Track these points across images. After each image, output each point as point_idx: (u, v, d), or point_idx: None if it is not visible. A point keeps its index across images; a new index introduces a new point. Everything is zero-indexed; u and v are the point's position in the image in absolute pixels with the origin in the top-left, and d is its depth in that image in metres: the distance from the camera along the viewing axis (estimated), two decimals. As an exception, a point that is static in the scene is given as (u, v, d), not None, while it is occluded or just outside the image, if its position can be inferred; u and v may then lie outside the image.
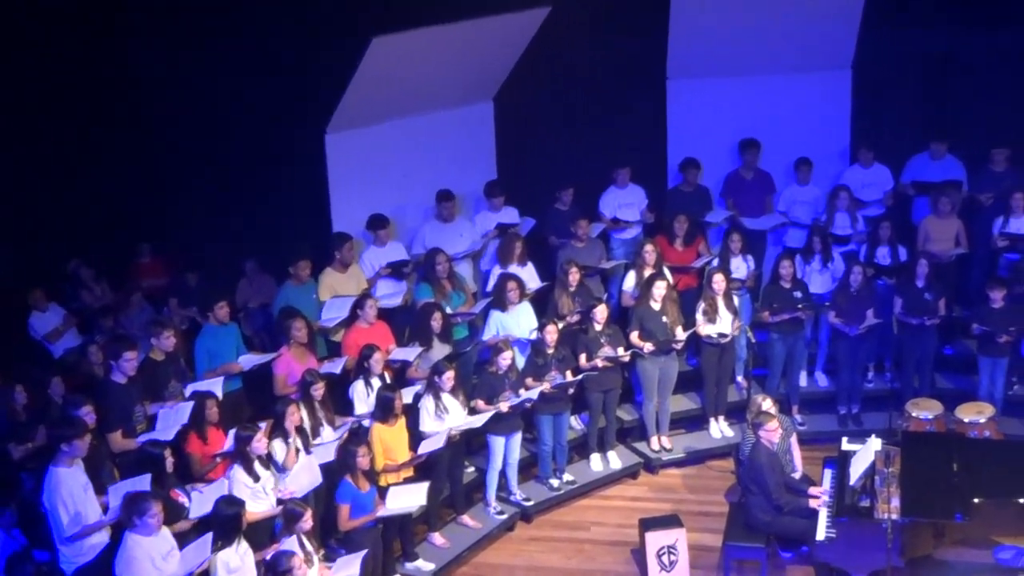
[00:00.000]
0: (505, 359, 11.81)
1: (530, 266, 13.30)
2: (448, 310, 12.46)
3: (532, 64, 13.80)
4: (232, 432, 10.25)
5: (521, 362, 12.38)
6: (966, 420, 12.12)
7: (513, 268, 13.06)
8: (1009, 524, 10.50)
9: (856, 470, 10.60)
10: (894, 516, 10.15)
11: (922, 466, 10.74)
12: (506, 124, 14.25)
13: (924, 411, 12.30)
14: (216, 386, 11.04)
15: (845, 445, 11.41)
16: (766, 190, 14.49)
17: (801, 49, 14.29)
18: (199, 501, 9.82)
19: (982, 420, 12.09)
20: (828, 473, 11.31)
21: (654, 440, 13.25)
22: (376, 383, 11.37)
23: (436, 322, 12.10)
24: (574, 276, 12.83)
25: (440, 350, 12.10)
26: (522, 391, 11.88)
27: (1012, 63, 14.37)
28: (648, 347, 12.69)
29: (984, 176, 14.24)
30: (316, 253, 12.73)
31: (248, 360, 11.69)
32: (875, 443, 10.86)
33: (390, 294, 12.89)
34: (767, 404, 11.47)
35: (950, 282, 13.75)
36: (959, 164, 14.32)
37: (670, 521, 11.40)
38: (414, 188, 13.63)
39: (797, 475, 11.61)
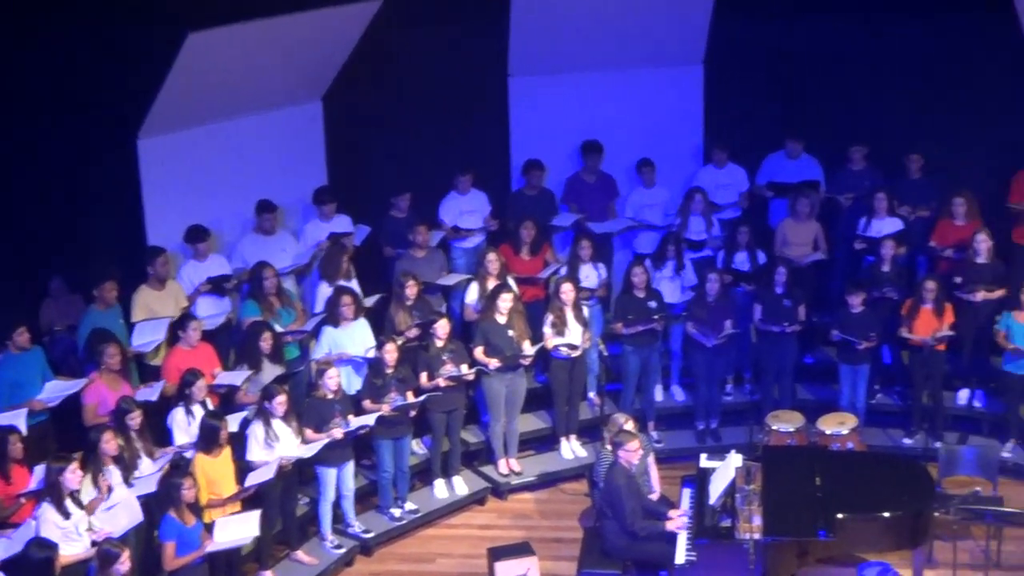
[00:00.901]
0: (331, 380, 11.82)
1: (355, 282, 13.29)
2: (278, 328, 12.42)
3: (364, 61, 13.81)
4: (39, 468, 10.07)
5: (357, 383, 12.41)
6: (828, 432, 12.54)
7: (342, 283, 13.03)
8: (874, 540, 10.86)
9: (716, 488, 10.83)
10: (756, 535, 10.42)
11: (784, 482, 11.08)
12: (337, 125, 14.24)
13: (785, 424, 12.68)
14: (19, 419, 10.83)
15: (704, 462, 11.68)
16: (610, 194, 14.76)
17: (650, 43, 14.60)
18: (5, 547, 9.63)
19: (844, 431, 12.52)
20: (687, 493, 11.56)
21: (502, 463, 13.38)
22: (198, 411, 11.28)
23: (265, 342, 12.06)
24: (412, 289, 12.89)
25: (270, 372, 12.06)
26: (351, 418, 11.89)
27: (868, 58, 14.88)
28: (494, 363, 12.82)
29: (842, 176, 14.72)
30: (129, 269, 12.56)
31: (54, 388, 11.48)
32: (735, 459, 11.10)
33: (213, 314, 12.79)
34: (629, 424, 11.65)
35: (809, 287, 14.15)
36: (816, 163, 14.79)
37: (521, 549, 11.53)
38: (237, 197, 13.51)
39: (655, 496, 11.81)
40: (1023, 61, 14.31)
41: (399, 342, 12.43)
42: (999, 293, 13.34)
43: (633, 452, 11.16)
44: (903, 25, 14.56)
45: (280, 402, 11.35)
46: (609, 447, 11.55)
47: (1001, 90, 14.66)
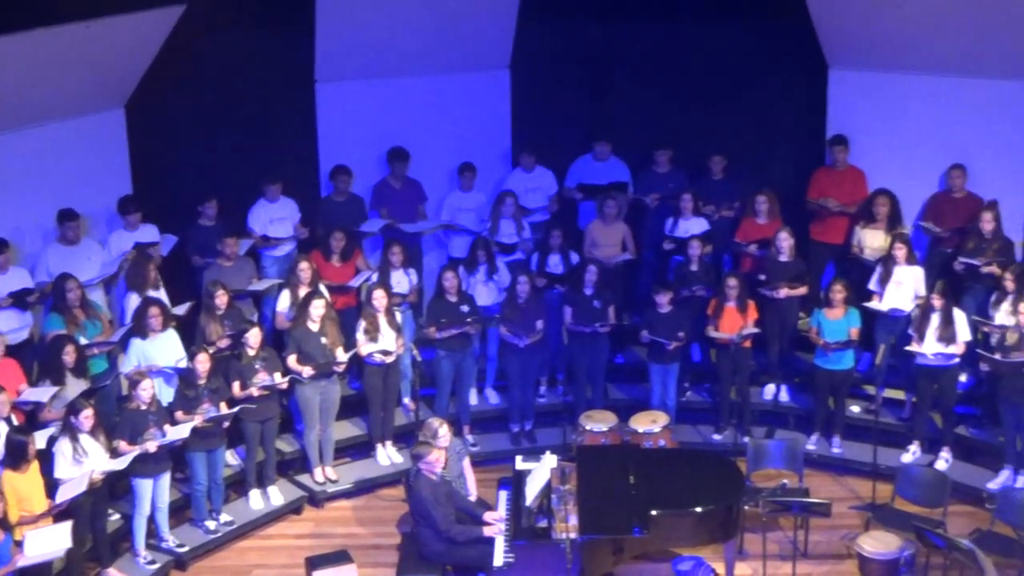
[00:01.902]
0: (144, 392, 11.65)
1: (163, 292, 13.12)
2: (83, 341, 12.18)
3: (168, 67, 13.62)
4: None
5: (169, 394, 12.25)
6: (640, 430, 12.80)
7: (150, 294, 12.84)
8: (687, 535, 11.11)
9: (532, 490, 10.98)
10: (572, 535, 10.57)
11: (598, 481, 11.27)
12: (140, 133, 14.02)
13: (598, 424, 12.90)
14: None
15: (520, 464, 11.80)
16: (417, 199, 14.83)
17: (457, 48, 14.72)
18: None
19: (656, 429, 12.80)
20: (503, 495, 11.68)
21: (318, 471, 13.34)
22: (3, 427, 11.01)
23: (68, 356, 11.82)
24: (221, 298, 12.78)
25: (75, 386, 11.83)
26: (168, 428, 11.74)
27: (673, 61, 15.20)
28: (307, 371, 12.78)
29: (649, 178, 15.04)
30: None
31: None
32: (550, 460, 11.26)
33: (15, 328, 12.48)
34: (443, 429, 11.70)
35: (619, 288, 14.43)
36: (624, 166, 15.08)
37: (339, 557, 11.54)
38: (36, 207, 13.21)
39: (472, 499, 11.92)
40: (819, 63, 14.83)
41: (211, 352, 12.29)
42: (801, 290, 13.77)
43: (434, 462, 11.20)
44: (706, 29, 14.92)
45: (86, 416, 11.15)
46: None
47: (798, 91, 15.16)
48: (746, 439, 13.15)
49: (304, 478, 13.40)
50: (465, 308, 13.48)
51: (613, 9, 14.88)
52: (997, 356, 12.41)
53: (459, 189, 14.83)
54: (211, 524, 12.53)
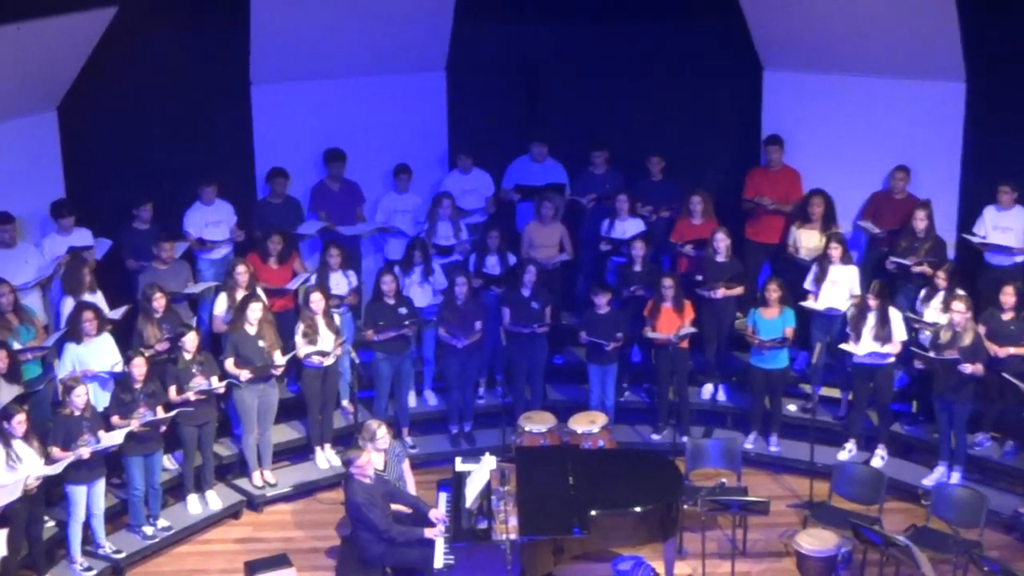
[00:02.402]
0: (79, 398, 11.54)
1: (100, 295, 13.00)
2: (16, 346, 12.05)
3: (101, 69, 13.50)
4: None
5: (104, 399, 12.14)
6: (579, 431, 12.83)
7: (85, 298, 12.73)
8: (627, 535, 11.18)
9: (471, 491, 11.00)
10: (512, 536, 10.61)
11: (538, 482, 11.31)
12: (73, 136, 13.87)
13: (537, 425, 12.94)
14: None
15: (459, 466, 11.81)
16: (355, 201, 14.80)
17: (393, 50, 14.70)
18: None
19: (595, 430, 12.84)
20: (443, 497, 11.69)
21: (256, 475, 13.27)
22: (-63, 435, 10.89)
23: (1, 361, 11.69)
24: (159, 302, 12.69)
25: (7, 392, 11.70)
26: (102, 434, 11.63)
27: (609, 62, 15.27)
28: (245, 375, 12.72)
29: (585, 178, 15.09)
30: None
31: None
32: (490, 461, 11.29)
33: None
34: (382, 431, 11.68)
35: (556, 289, 14.48)
36: (560, 167, 15.12)
37: (279, 561, 11.49)
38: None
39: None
40: (754, 64, 14.95)
41: (147, 356, 12.20)
42: (738, 290, 13.87)
43: (364, 465, 11.16)
44: (642, 30, 15.01)
45: (19, 422, 11.05)
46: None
47: (733, 92, 15.27)
48: (684, 439, 13.24)
49: (242, 482, 13.32)
50: (403, 310, 13.47)
51: (549, 11, 14.91)
52: (931, 354, 12.55)
53: (394, 191, 14.80)
54: (148, 529, 12.42)
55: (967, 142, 14.13)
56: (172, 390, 12.32)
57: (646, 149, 14.93)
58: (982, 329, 12.64)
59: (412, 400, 14.19)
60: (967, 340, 12.41)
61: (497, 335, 13.86)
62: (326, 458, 13.59)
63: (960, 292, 12.79)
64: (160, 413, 12.03)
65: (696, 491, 12.21)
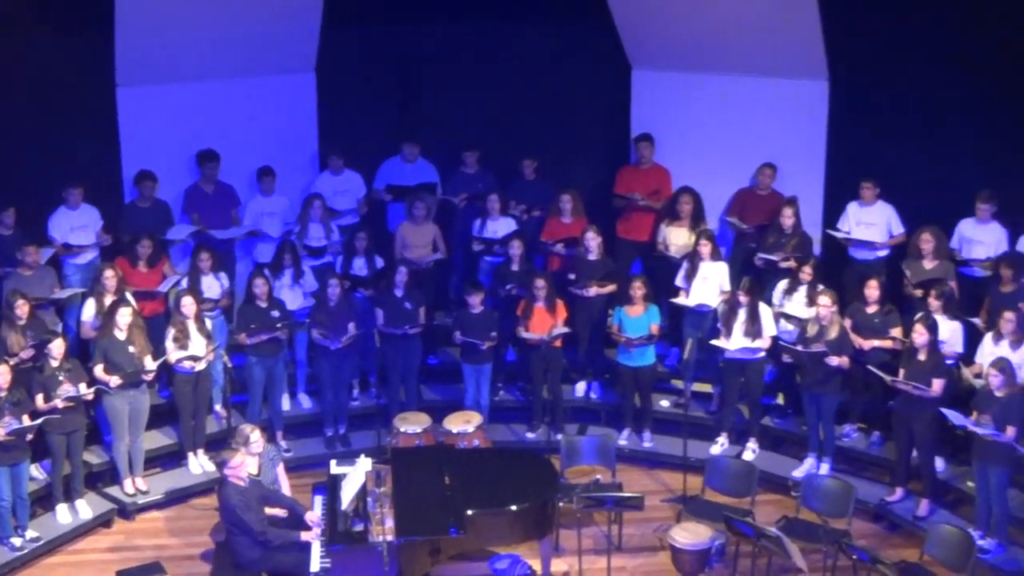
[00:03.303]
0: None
1: None
2: None
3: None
4: None
5: (-32, 410, 11.88)
6: (455, 431, 12.84)
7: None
8: (504, 533, 11.19)
9: (347, 494, 10.94)
10: (389, 537, 10.57)
11: (414, 483, 11.28)
12: (-68, 140, 13.58)
13: (412, 425, 12.92)
14: None
15: (334, 468, 11.71)
16: (230, 203, 14.65)
17: (261, 52, 14.57)
18: None
19: (470, 429, 12.86)
20: (318, 500, 11.61)
21: (128, 483, 13.07)
22: None
23: None
24: (22, 309, 12.44)
25: None
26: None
27: (480, 62, 15.30)
28: (115, 381, 12.52)
29: (457, 178, 15.10)
30: None
31: None
32: (365, 463, 11.24)
33: None
34: (256, 435, 11.56)
35: (430, 289, 14.47)
36: (432, 167, 15.12)
37: (152, 570, 11.32)
38: None
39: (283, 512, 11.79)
40: (623, 64, 15.09)
41: (11, 364, 11.95)
42: (610, 288, 13.97)
43: (238, 467, 11.05)
44: (512, 30, 15.07)
45: None
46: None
47: (603, 91, 15.40)
48: (559, 436, 13.30)
49: (113, 490, 13.10)
50: (275, 313, 13.36)
51: (419, 11, 14.91)
52: (799, 348, 12.76)
53: (260, 194, 14.67)
54: (16, 541, 12.16)
55: (831, 139, 14.42)
56: (39, 398, 12.08)
57: (517, 148, 15.01)
58: (847, 323, 12.89)
59: (286, 403, 14.07)
60: (833, 333, 12.64)
61: (371, 336, 13.80)
62: (199, 464, 13.43)
63: (821, 286, 13.04)
64: (26, 421, 11.78)
65: (571, 488, 12.29)
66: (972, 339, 12.54)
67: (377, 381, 14.34)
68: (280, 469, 12.05)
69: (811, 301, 12.95)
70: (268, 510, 11.20)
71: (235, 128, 14.81)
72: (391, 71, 15.45)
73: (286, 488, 12.00)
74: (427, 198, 14.70)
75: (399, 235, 14.55)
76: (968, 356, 12.47)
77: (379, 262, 14.25)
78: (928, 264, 13.18)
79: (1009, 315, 11.98)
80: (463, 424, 12.96)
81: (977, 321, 12.70)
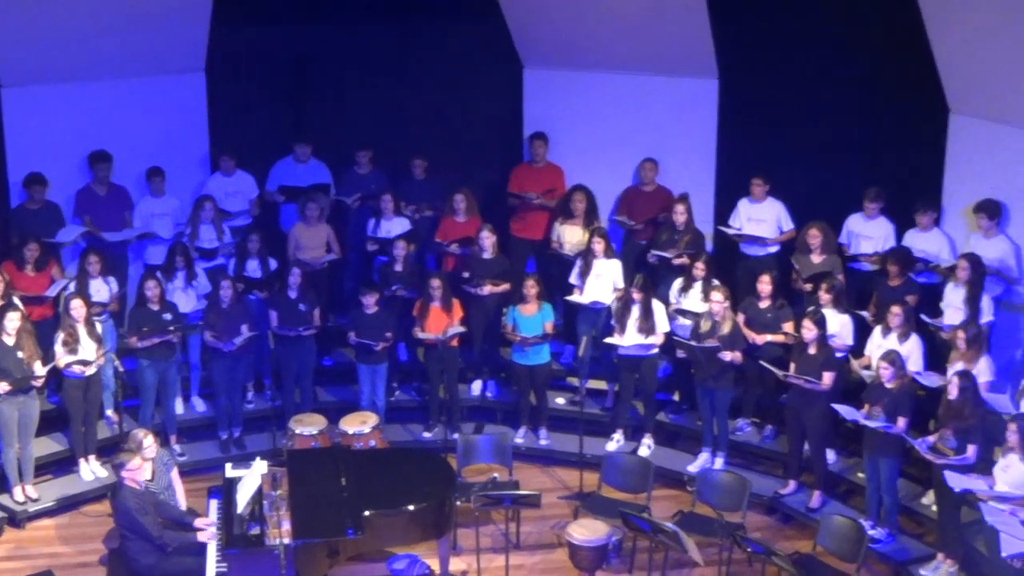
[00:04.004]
0: None
1: None
2: None
3: None
4: None
5: None
6: (351, 432, 12.79)
7: None
8: (401, 533, 11.17)
9: (243, 497, 10.84)
10: (286, 540, 10.50)
11: (310, 484, 11.23)
12: None
13: (308, 427, 12.85)
14: None
15: (229, 471, 11.61)
16: (123, 205, 14.45)
17: (150, 51, 14.39)
18: None
19: (367, 430, 12.82)
20: (214, 503, 11.50)
21: (17, 491, 12.83)
22: None
23: None
24: (-93, 315, 12.20)
25: None
26: None
27: (371, 61, 15.24)
28: (3, 387, 12.30)
29: (350, 179, 15.04)
30: None
31: None
32: (260, 466, 11.16)
33: None
34: (149, 440, 11.42)
35: (324, 290, 14.39)
36: (325, 167, 15.04)
37: (43, 578, 11.18)
38: None
39: (182, 510, 11.68)
40: (514, 62, 15.14)
41: None
42: (504, 287, 14.00)
43: (136, 470, 10.94)
44: (403, 29, 15.04)
45: None
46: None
47: (495, 90, 15.44)
48: (455, 436, 13.30)
49: (3, 498, 12.87)
50: (167, 316, 13.21)
51: (310, 11, 14.83)
52: (692, 343, 12.88)
53: (150, 195, 14.49)
54: (-97, 553, 11.94)
55: (721, 137, 14.58)
56: (-76, 406, 11.85)
57: (411, 148, 14.98)
58: (740, 318, 13.04)
59: (179, 407, 13.93)
60: (726, 329, 12.78)
61: (265, 338, 13.71)
62: (91, 470, 13.23)
63: (715, 282, 13.18)
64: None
65: (468, 487, 12.31)
66: (862, 332, 12.75)
67: (272, 383, 14.25)
68: (174, 474, 11.92)
69: (707, 297, 13.08)
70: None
71: (125, 129, 14.60)
72: (282, 71, 15.33)
73: (180, 493, 11.87)
74: (320, 199, 14.62)
75: (292, 236, 14.46)
76: (858, 349, 12.67)
77: (273, 263, 14.15)
78: (816, 259, 13.38)
79: (896, 309, 12.20)
80: (359, 425, 12.91)
81: (866, 314, 12.91)
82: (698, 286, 13.33)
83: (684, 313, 13.39)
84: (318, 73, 15.40)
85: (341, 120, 15.34)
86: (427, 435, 13.96)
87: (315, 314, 13.66)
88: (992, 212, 12.68)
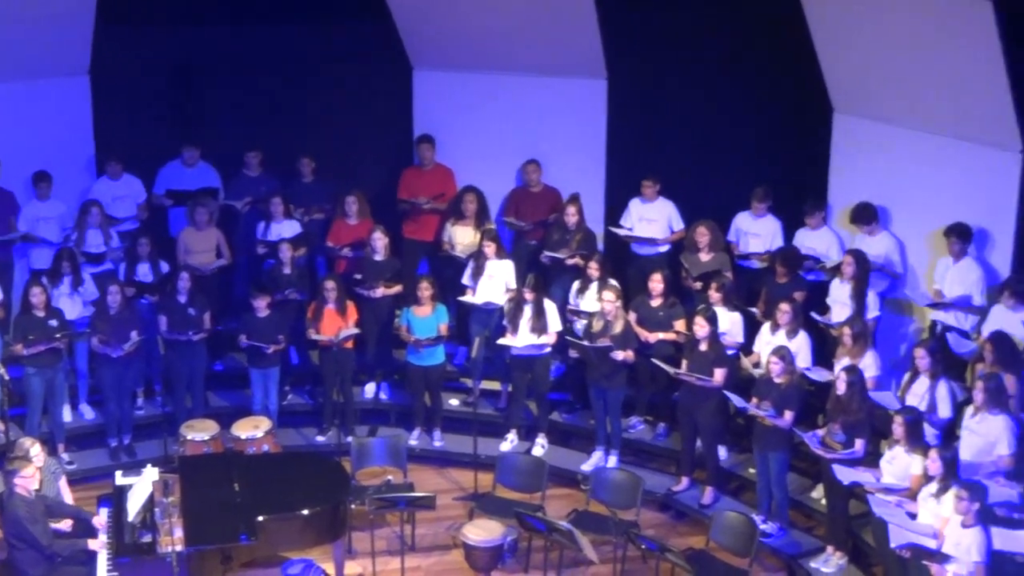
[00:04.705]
0: None
1: None
2: None
3: None
4: None
5: None
6: (243, 437, 12.68)
7: None
8: (296, 538, 11.10)
9: (134, 505, 10.73)
10: (178, 547, 10.37)
11: (202, 491, 11.12)
12: None
13: (199, 433, 12.72)
14: None
15: (120, 479, 11.51)
16: (8, 210, 14.18)
17: (33, 53, 14.13)
18: None
19: (259, 435, 12.72)
20: (104, 512, 11.32)
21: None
22: None
23: None
24: None
25: None
26: None
27: (259, 63, 15.11)
28: None
29: (239, 182, 14.91)
30: None
31: None
32: (151, 473, 11.05)
33: None
34: (36, 448, 11.21)
35: (214, 294, 14.23)
36: (213, 170, 14.90)
37: (-74, 592, 10.95)
38: None
39: (69, 523, 11.46)
40: (404, 64, 15.11)
41: None
42: (396, 288, 13.97)
43: (29, 478, 10.72)
44: (290, 30, 14.93)
45: None
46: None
47: (384, 92, 15.40)
48: (349, 439, 13.24)
49: None
50: (54, 322, 13.00)
51: (197, 13, 14.66)
52: (585, 343, 12.94)
53: (36, 199, 14.25)
54: None
55: (610, 137, 14.69)
56: None
57: (300, 150, 14.88)
58: (632, 316, 13.13)
59: (67, 414, 13.70)
60: (618, 328, 12.86)
61: (154, 343, 13.55)
62: (-25, 480, 12.99)
63: (612, 282, 13.26)
64: None
65: (363, 490, 12.26)
66: (752, 329, 12.90)
67: (162, 389, 14.06)
68: (63, 483, 11.71)
69: (599, 296, 13.15)
70: (52, 524, 10.89)
71: (9, 132, 14.31)
72: (168, 73, 15.13)
73: (69, 501, 11.66)
74: (209, 203, 14.47)
75: (181, 240, 14.31)
76: (748, 346, 12.82)
77: (164, 267, 13.98)
78: (705, 257, 13.53)
79: (785, 306, 12.36)
80: (252, 430, 12.80)
81: (756, 311, 13.07)
82: (594, 287, 13.40)
83: (580, 314, 13.45)
84: (206, 75, 15.22)
85: (230, 122, 15.18)
86: (321, 438, 13.89)
87: (205, 318, 13.52)
88: (867, 219, 12.97)
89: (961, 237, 12.14)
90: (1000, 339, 11.16)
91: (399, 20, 14.69)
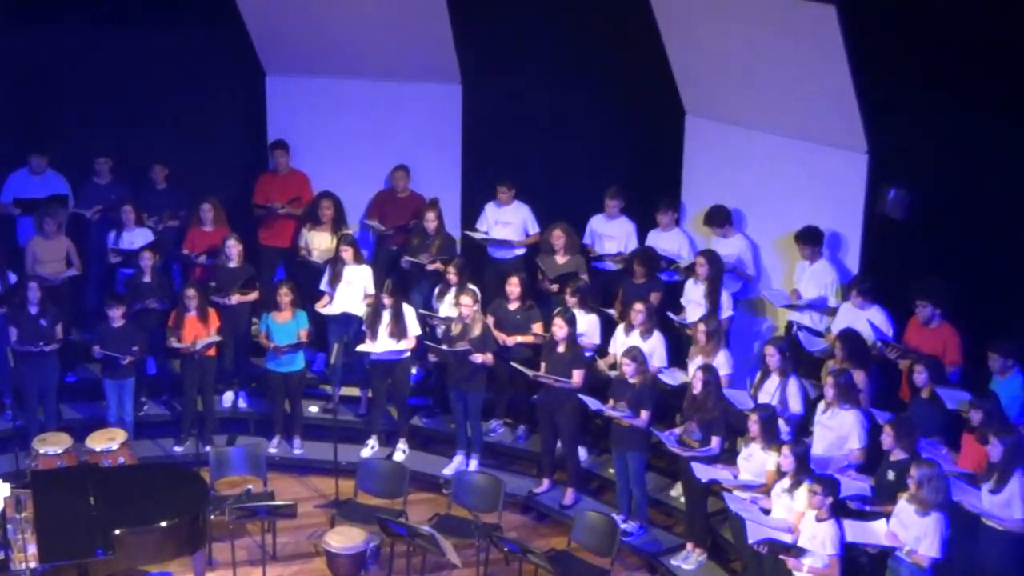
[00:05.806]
0: None
1: None
2: None
3: None
4: None
5: None
6: (98, 449, 12.46)
7: None
8: (154, 551, 10.91)
9: (-15, 522, 10.51)
10: (32, 564, 10.19)
11: (57, 505, 10.91)
12: None
13: (52, 446, 12.47)
14: None
15: (-30, 496, 11.25)
16: None
17: None
18: None
19: (115, 447, 12.51)
20: (-46, 530, 11.09)
21: None
22: None
23: None
24: None
25: None
26: None
27: (108, 68, 14.85)
28: None
29: (89, 189, 14.65)
30: None
31: None
32: (3, 488, 10.78)
33: None
34: None
35: (66, 305, 13.95)
36: (62, 178, 14.61)
37: None
38: None
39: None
40: (256, 69, 14.98)
41: None
42: (252, 295, 13.85)
43: None
44: (139, 35, 14.69)
45: None
46: None
47: (237, 97, 15.27)
48: (208, 448, 13.09)
49: None
50: None
51: (43, 13, 14.35)
52: (444, 347, 12.96)
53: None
54: None
55: (466, 142, 14.74)
56: None
57: (152, 157, 14.67)
58: (490, 320, 13.18)
59: (-87, 431, 13.38)
60: (476, 331, 12.89)
61: (4, 355, 13.24)
62: None
63: (470, 286, 13.29)
64: None
65: (223, 500, 12.13)
66: (608, 331, 13.03)
67: (12, 402, 13.71)
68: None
69: (457, 301, 13.17)
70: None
71: None
72: (13, 78, 14.79)
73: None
74: (58, 211, 14.18)
75: (30, 250, 14.00)
76: (605, 347, 12.94)
77: (12, 278, 13.67)
78: (561, 259, 13.63)
79: (639, 307, 12.51)
80: (107, 442, 12.58)
81: (612, 313, 13.21)
82: (454, 291, 13.41)
83: (439, 318, 13.46)
84: (53, 81, 14.90)
85: (78, 130, 14.88)
86: (178, 449, 13.70)
87: (57, 329, 13.25)
88: (721, 221, 13.20)
89: (810, 241, 12.41)
90: (849, 336, 11.46)
91: (251, 25, 14.55)
